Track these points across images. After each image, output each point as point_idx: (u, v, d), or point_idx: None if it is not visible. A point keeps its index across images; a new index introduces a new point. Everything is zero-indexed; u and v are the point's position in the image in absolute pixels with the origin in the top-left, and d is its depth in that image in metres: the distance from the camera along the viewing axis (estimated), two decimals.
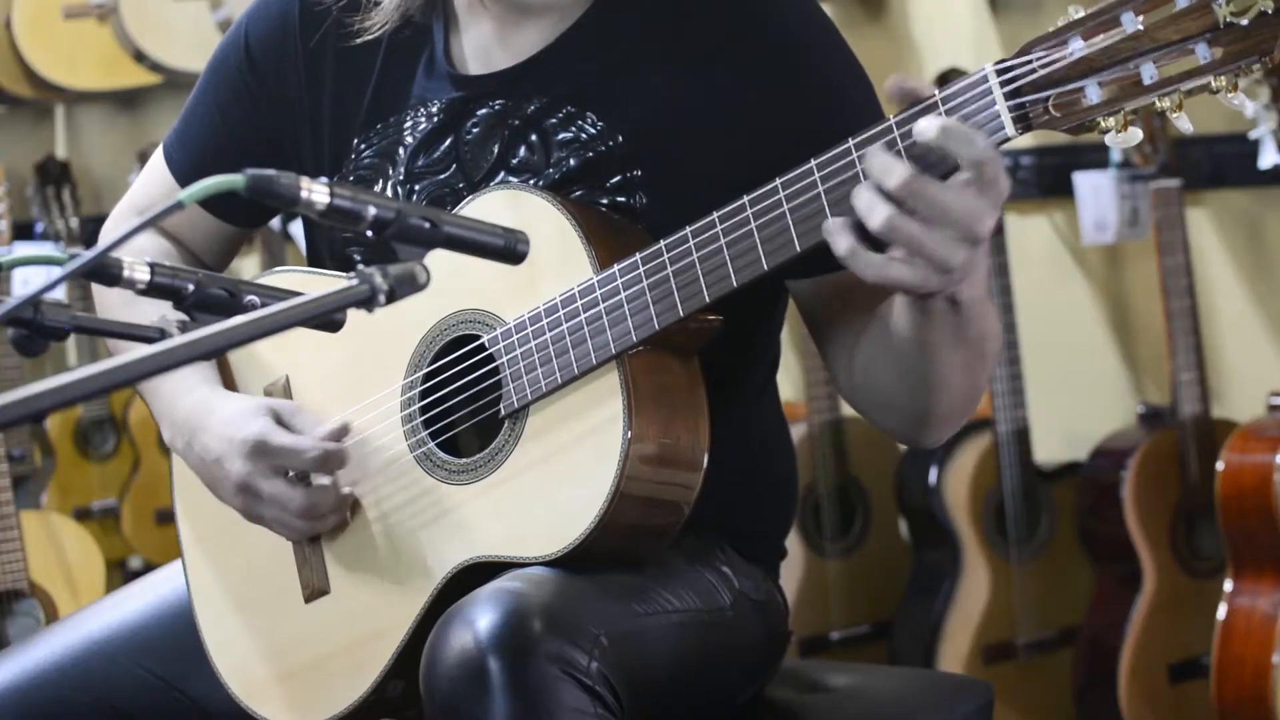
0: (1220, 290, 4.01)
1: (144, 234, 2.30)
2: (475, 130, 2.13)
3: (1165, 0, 1.72)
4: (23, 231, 5.00)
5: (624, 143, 2.06)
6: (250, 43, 2.25)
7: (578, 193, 2.07)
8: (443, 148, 2.14)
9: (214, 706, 2.20)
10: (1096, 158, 4.02)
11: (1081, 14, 1.75)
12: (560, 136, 2.09)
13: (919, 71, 4.34)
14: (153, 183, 2.32)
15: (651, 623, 1.99)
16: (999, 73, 1.77)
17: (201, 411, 2.15)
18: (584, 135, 2.08)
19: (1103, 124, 1.76)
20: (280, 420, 2.11)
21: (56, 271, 1.48)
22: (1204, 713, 3.73)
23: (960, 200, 1.77)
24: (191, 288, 1.72)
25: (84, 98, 5.44)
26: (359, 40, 2.17)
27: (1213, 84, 1.72)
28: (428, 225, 1.60)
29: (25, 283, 4.41)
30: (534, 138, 2.10)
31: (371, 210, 1.58)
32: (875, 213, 1.78)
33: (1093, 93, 1.75)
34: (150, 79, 5.20)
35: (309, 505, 2.09)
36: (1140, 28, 1.72)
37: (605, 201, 2.06)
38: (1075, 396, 4.25)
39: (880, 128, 1.82)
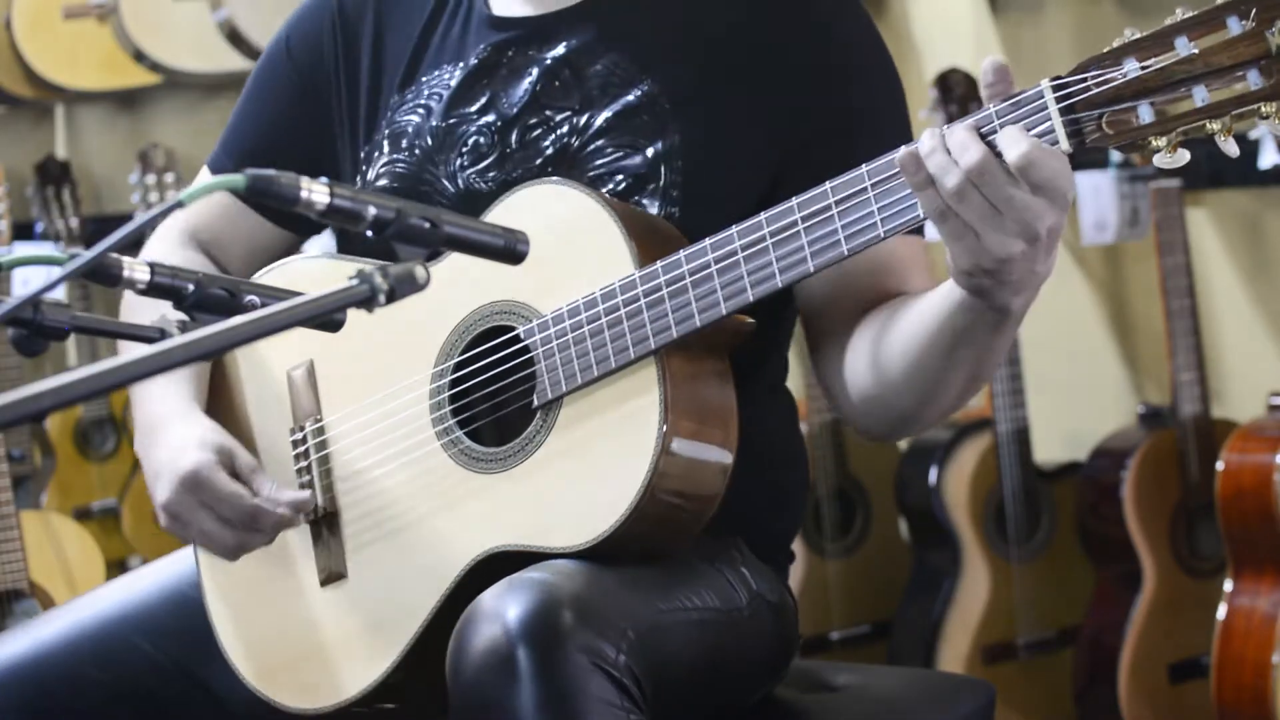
0: (1220, 290, 4.01)
1: (175, 247, 2.30)
2: (509, 71, 2.16)
3: (1219, 26, 1.76)
4: (23, 231, 5.00)
5: (656, 87, 2.10)
6: (290, 40, 2.30)
7: (607, 141, 2.10)
8: (479, 88, 2.17)
9: (225, 690, 2.20)
10: (1096, 157, 4.02)
11: (1137, 36, 1.79)
12: (594, 76, 2.12)
13: (919, 71, 4.34)
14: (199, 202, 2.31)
15: (673, 619, 1.99)
16: (1055, 89, 1.80)
17: (159, 425, 2.16)
18: (615, 77, 2.11)
19: (1153, 143, 1.79)
20: (230, 466, 2.11)
21: (56, 271, 1.48)
22: (1204, 713, 3.73)
23: (1021, 194, 1.80)
24: (191, 288, 1.72)
25: (84, 98, 5.43)
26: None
27: (1263, 109, 1.76)
28: (428, 225, 1.60)
29: (25, 283, 4.41)
30: (567, 73, 2.13)
31: (371, 210, 1.58)
32: (950, 175, 1.82)
33: (1145, 113, 1.79)
34: (150, 79, 5.19)
35: (239, 546, 2.10)
36: (1194, 52, 1.76)
37: (635, 151, 2.09)
38: (1075, 396, 4.25)
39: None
